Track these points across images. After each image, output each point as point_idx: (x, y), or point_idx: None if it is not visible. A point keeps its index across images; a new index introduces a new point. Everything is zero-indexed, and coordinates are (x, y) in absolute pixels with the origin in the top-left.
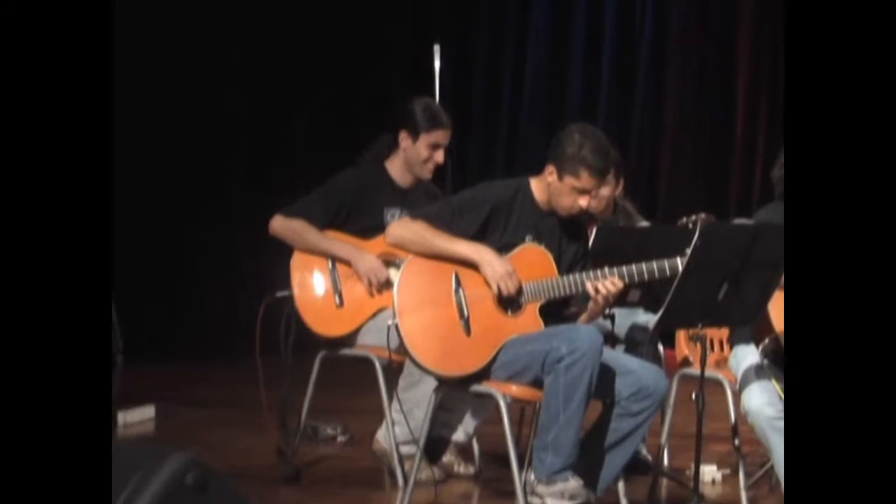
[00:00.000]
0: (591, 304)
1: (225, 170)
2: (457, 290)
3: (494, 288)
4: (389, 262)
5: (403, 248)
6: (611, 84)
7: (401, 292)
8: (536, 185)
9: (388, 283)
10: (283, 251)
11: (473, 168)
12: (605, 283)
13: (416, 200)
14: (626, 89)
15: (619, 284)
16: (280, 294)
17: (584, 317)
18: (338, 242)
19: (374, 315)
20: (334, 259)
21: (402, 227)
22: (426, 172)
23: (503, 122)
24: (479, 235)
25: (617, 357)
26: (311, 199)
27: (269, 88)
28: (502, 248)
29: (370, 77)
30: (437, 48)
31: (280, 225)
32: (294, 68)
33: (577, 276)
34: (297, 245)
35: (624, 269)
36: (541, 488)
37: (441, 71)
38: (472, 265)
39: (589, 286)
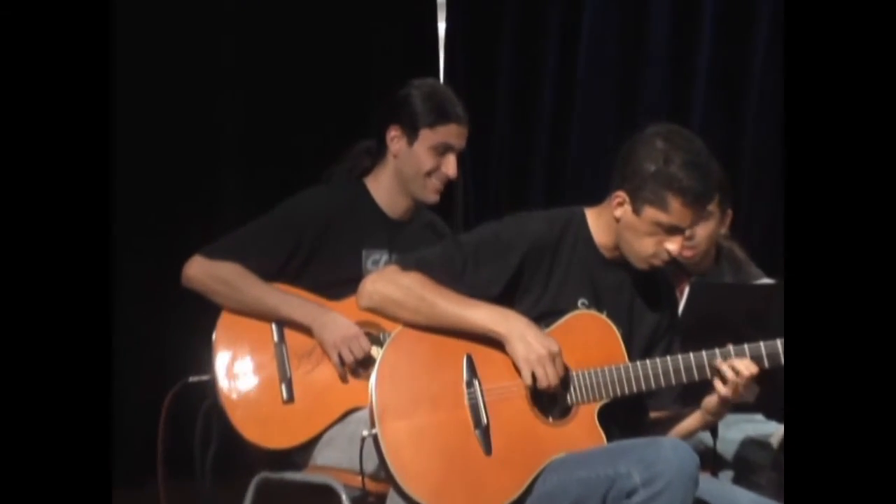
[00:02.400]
0: (705, 408)
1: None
2: (470, 383)
3: (528, 378)
4: (368, 334)
5: (387, 315)
6: (710, 78)
7: (382, 385)
8: (596, 221)
9: (369, 363)
10: (203, 313)
11: (499, 192)
12: (737, 364)
13: (411, 239)
14: (731, 85)
15: (755, 370)
16: (195, 379)
17: (679, 427)
18: (291, 298)
19: (342, 418)
20: (282, 324)
21: (388, 282)
22: (429, 193)
23: (544, 126)
24: (505, 296)
25: (721, 490)
26: (250, 233)
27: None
28: (541, 316)
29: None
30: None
31: (200, 271)
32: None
33: (664, 362)
34: (225, 302)
35: (762, 346)
36: None
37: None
38: (494, 342)
39: (708, 372)
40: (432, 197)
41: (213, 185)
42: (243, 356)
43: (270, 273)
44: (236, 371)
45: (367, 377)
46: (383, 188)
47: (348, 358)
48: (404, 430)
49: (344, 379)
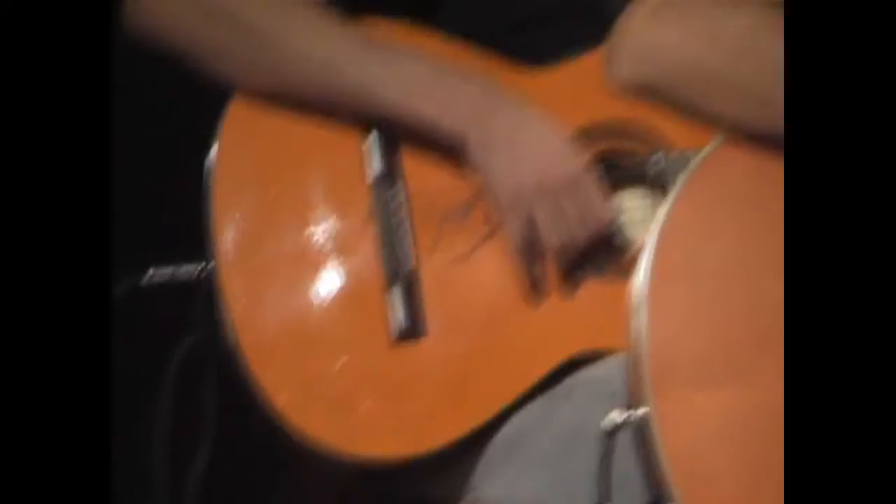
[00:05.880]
0: None
1: None
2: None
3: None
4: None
5: (675, 101)
6: None
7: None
8: None
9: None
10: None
11: None
12: None
13: None
14: None
15: None
16: (158, 276)
17: None
18: (405, 60)
19: (550, 381)
20: (387, 135)
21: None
22: None
23: None
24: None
25: None
26: None
27: None
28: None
29: None
30: None
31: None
32: None
33: None
34: (232, 70)
35: None
36: None
37: None
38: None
39: None
40: None
41: None
42: (285, 222)
43: None
44: (266, 262)
45: (609, 285)
46: None
47: (578, 236)
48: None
49: (551, 290)
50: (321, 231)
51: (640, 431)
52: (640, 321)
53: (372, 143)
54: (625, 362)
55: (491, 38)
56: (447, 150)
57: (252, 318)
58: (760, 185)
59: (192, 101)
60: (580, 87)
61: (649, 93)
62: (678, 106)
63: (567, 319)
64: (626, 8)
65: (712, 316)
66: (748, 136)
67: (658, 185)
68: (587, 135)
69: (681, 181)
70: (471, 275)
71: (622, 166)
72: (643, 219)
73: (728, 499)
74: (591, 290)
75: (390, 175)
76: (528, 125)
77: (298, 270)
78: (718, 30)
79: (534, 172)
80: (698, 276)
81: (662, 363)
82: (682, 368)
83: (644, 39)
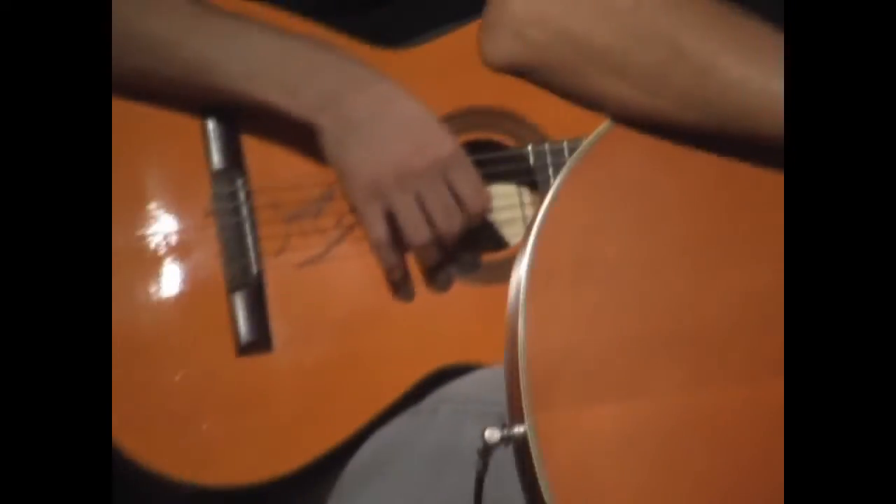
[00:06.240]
0: None
1: None
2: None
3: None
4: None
5: (544, 81)
6: None
7: (541, 299)
8: None
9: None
10: None
11: None
12: None
13: None
14: None
15: None
16: None
17: None
18: (256, 31)
19: (412, 396)
20: (231, 118)
21: None
22: None
23: None
24: None
25: None
26: None
27: None
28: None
29: None
30: None
31: None
32: None
33: None
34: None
35: None
36: None
37: None
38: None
39: None
40: None
41: None
42: (115, 218)
43: None
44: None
45: (481, 289)
46: None
47: (446, 230)
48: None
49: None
50: (156, 229)
51: (520, 450)
52: (518, 328)
53: (211, 131)
54: (499, 374)
55: (342, 14)
56: (298, 137)
57: None
58: (654, 171)
59: None
60: (443, 69)
61: (527, 72)
62: (559, 88)
63: (433, 327)
64: None
65: (600, 319)
66: (638, 125)
67: (528, 181)
68: (451, 124)
69: (564, 171)
70: (323, 279)
71: (489, 160)
72: (512, 218)
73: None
74: (460, 294)
75: (231, 168)
76: (392, 102)
77: (130, 271)
78: (607, 2)
79: (395, 156)
80: (584, 274)
81: (544, 374)
82: (566, 379)
83: (522, 10)
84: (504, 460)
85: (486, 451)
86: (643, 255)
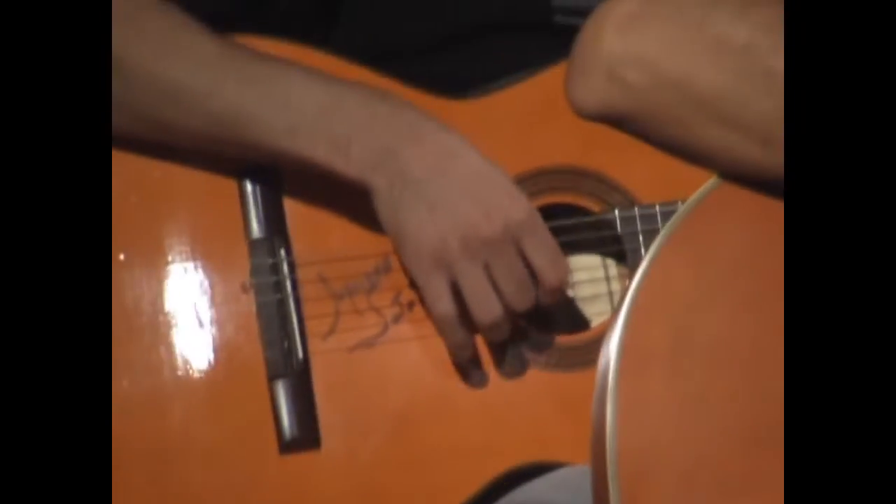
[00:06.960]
0: None
1: None
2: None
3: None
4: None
5: (641, 131)
6: None
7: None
8: None
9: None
10: None
11: None
12: None
13: None
14: None
15: None
16: None
17: None
18: (297, 78)
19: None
20: (272, 179)
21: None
22: None
23: None
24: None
25: None
26: None
27: None
28: None
29: None
30: None
31: None
32: None
33: None
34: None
35: None
36: None
37: None
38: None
39: None
40: None
41: None
42: (152, 288)
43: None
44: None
45: (560, 376)
46: None
47: (516, 304)
48: None
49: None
50: (186, 307)
51: None
52: (606, 420)
53: (249, 194)
54: (582, 475)
55: (400, 60)
56: (348, 200)
57: None
58: (762, 238)
59: None
60: (516, 121)
61: (623, 119)
62: (658, 138)
63: (505, 420)
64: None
65: (700, 410)
66: (748, 180)
67: (615, 250)
68: (524, 184)
69: (660, 238)
70: (378, 364)
71: (569, 227)
72: (595, 295)
73: None
74: (536, 381)
75: (271, 236)
76: (456, 157)
77: (155, 357)
78: (715, 39)
79: (461, 220)
80: (683, 358)
81: (635, 475)
82: (660, 480)
83: (619, 49)
84: None
85: None
86: (749, 337)
